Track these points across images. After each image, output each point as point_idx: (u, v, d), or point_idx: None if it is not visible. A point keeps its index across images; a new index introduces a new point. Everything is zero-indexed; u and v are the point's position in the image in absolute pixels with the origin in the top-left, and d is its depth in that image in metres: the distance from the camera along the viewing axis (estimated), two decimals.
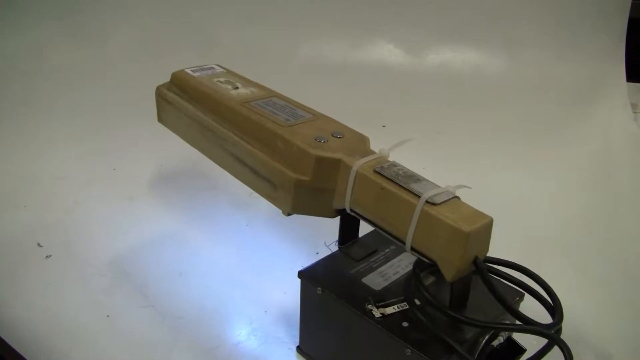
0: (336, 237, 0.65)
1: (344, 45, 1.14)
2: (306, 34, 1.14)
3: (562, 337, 0.54)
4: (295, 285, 0.63)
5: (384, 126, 0.57)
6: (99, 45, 1.17)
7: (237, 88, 0.70)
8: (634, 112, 1.20)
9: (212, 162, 0.69)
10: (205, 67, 0.75)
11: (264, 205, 0.87)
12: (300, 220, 0.83)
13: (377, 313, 0.57)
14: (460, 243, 0.51)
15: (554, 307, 0.58)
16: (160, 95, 0.74)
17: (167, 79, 0.73)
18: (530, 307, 0.59)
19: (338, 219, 0.63)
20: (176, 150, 0.95)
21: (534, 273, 0.60)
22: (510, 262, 0.62)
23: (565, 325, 0.55)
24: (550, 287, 0.59)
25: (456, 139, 1.10)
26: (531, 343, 0.57)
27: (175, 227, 0.86)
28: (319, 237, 0.66)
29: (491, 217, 0.53)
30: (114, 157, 1.01)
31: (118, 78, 1.14)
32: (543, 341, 0.55)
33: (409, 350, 0.54)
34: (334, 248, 0.65)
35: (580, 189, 1.00)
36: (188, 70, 0.73)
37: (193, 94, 0.70)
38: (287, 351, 0.67)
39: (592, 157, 1.08)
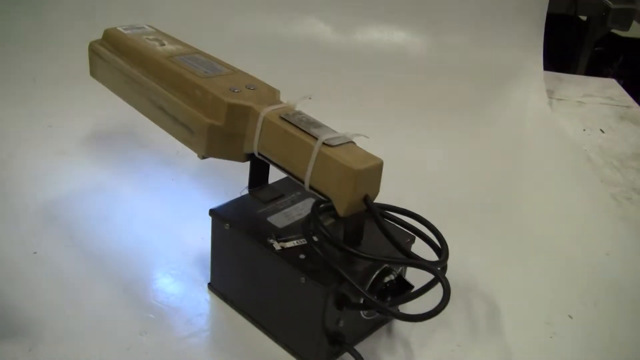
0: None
1: (277, 20, 1.20)
2: (241, 7, 1.19)
3: (450, 280, 0.59)
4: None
5: (309, 98, 0.62)
6: (36, 12, 1.19)
7: (163, 45, 0.75)
8: (549, 98, 1.28)
9: (143, 121, 0.73)
10: (136, 26, 0.80)
11: (190, 163, 0.93)
12: (221, 176, 0.90)
13: (277, 246, 0.62)
14: (351, 180, 0.57)
15: (441, 248, 0.64)
16: (92, 50, 0.78)
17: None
18: (420, 251, 0.65)
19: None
20: (111, 110, 1.00)
21: (424, 218, 0.67)
22: (404, 209, 0.68)
23: (459, 276, 0.59)
24: (438, 230, 0.65)
25: (377, 114, 1.16)
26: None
27: (103, 179, 0.90)
28: (238, 189, 0.72)
29: (381, 159, 0.59)
30: (50, 115, 1.04)
31: (54, 42, 1.17)
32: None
33: (303, 279, 0.60)
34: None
35: (491, 163, 1.07)
36: (120, 28, 0.78)
37: (123, 49, 0.75)
38: (199, 288, 0.73)
39: (505, 136, 1.15)
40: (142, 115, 0.74)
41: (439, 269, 0.61)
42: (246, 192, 0.71)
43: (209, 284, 0.73)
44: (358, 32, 1.21)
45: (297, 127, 0.61)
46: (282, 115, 0.62)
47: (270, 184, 0.72)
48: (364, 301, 0.62)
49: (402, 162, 0.68)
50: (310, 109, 0.65)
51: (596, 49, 1.91)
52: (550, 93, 1.30)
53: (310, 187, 0.61)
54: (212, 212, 0.67)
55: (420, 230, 0.67)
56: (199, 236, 0.79)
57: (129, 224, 0.82)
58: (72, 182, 0.89)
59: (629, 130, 1.25)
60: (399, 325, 0.71)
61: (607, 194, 1.02)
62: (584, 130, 1.23)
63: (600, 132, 1.23)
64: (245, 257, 0.66)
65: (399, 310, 0.67)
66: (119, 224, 0.82)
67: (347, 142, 0.60)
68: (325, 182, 0.59)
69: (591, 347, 0.72)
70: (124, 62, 0.74)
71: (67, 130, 1.00)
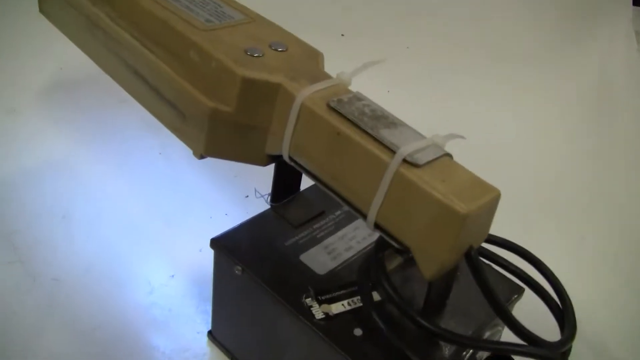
0: (261, 185, 0.47)
1: None
2: None
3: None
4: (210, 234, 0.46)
5: (342, 35, 0.39)
6: None
7: None
8: (639, 43, 1.02)
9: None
10: None
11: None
12: (226, 168, 0.66)
13: (318, 312, 0.40)
14: (452, 228, 0.34)
15: (563, 313, 0.41)
16: None
17: None
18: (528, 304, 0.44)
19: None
20: (77, 52, 0.75)
21: (537, 259, 0.44)
22: (506, 241, 0.44)
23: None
24: (559, 282, 0.43)
25: (428, 58, 0.91)
26: None
27: (64, 151, 0.66)
28: (250, 177, 0.47)
29: (498, 189, 0.35)
30: None
31: None
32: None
33: None
34: (266, 205, 0.48)
35: (573, 134, 0.83)
36: None
37: None
38: (195, 335, 0.51)
39: (587, 93, 0.91)
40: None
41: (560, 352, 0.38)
42: (262, 200, 0.47)
43: (209, 332, 0.50)
44: None
45: (357, 126, 0.37)
46: (332, 103, 0.38)
47: (302, 193, 0.48)
48: None
49: (461, 129, 0.44)
50: (342, 50, 0.42)
51: None
52: (638, 35, 1.03)
53: (377, 226, 0.37)
54: (216, 242, 0.44)
55: (528, 277, 0.44)
56: (195, 246, 0.57)
57: (95, 226, 0.59)
58: (20, 157, 0.65)
59: None
60: None
61: None
62: None
63: None
64: (264, 318, 0.43)
65: None
66: (81, 226, 0.58)
67: (442, 156, 0.36)
68: (405, 223, 0.35)
69: None
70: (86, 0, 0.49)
71: (18, 81, 0.75)
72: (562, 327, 0.41)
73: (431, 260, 0.35)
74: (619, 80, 0.94)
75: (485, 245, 0.44)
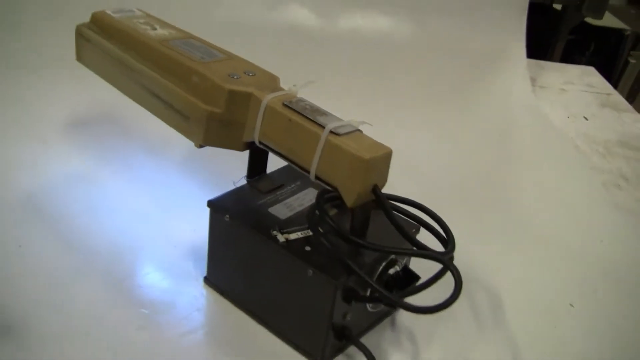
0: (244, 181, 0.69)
1: (261, 6, 1.17)
2: None
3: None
4: (204, 223, 0.66)
5: (294, 85, 0.60)
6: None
7: (155, 29, 0.71)
8: (532, 86, 1.27)
9: (125, 109, 0.70)
10: (125, 9, 0.76)
11: (176, 153, 0.90)
12: (211, 165, 0.87)
13: (281, 238, 0.60)
14: (361, 170, 0.55)
15: (447, 238, 0.62)
16: (80, 34, 0.74)
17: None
18: (424, 241, 0.63)
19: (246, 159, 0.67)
20: (91, 97, 0.96)
21: (428, 208, 0.65)
22: (408, 199, 0.66)
23: (459, 266, 0.58)
24: (443, 220, 0.64)
25: (363, 101, 1.14)
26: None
27: (87, 169, 0.87)
28: (228, 179, 0.69)
29: (390, 148, 0.57)
30: (29, 102, 1.00)
31: (31, 24, 1.12)
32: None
33: (311, 271, 0.58)
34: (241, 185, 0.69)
35: (480, 151, 1.06)
36: (108, 11, 0.74)
37: (112, 32, 0.72)
38: (194, 282, 0.70)
39: (493, 124, 1.14)
40: (124, 103, 0.71)
41: (447, 259, 0.59)
42: (242, 182, 0.68)
43: (205, 277, 0.70)
44: (342, 19, 1.19)
45: (302, 115, 0.59)
46: (285, 103, 0.60)
47: (268, 174, 0.70)
48: (373, 294, 0.60)
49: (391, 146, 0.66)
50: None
51: (569, 37, 1.92)
52: (532, 80, 1.29)
53: (316, 177, 0.58)
54: (211, 203, 0.64)
55: (424, 221, 0.65)
56: (190, 228, 0.77)
57: (116, 217, 0.79)
58: (54, 173, 0.85)
59: (612, 117, 1.25)
60: (402, 317, 0.69)
61: (597, 181, 1.02)
62: (568, 117, 1.22)
63: (584, 119, 1.22)
64: (247, 250, 0.63)
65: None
66: (105, 217, 0.79)
67: (354, 131, 0.58)
68: (333, 172, 0.57)
69: (595, 334, 0.72)
70: (114, 47, 0.70)
71: (47, 118, 0.96)
72: (446, 246, 0.62)
73: (351, 192, 0.56)
74: (519, 112, 1.18)
75: (394, 202, 0.66)
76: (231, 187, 0.68)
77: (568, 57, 1.92)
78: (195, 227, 0.77)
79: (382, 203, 0.57)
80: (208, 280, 0.70)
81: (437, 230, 0.64)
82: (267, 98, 0.60)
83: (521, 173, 1.02)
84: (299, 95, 0.63)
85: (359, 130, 0.59)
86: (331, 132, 0.57)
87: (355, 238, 0.58)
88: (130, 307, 0.66)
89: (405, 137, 1.05)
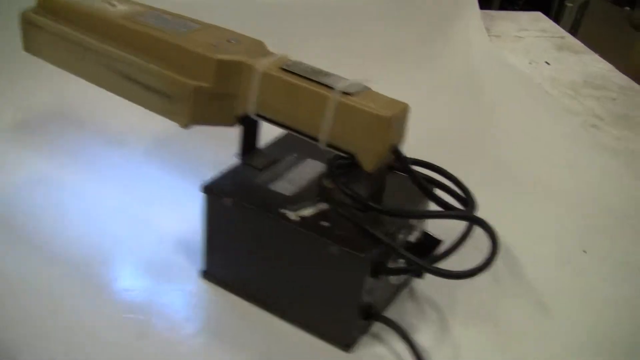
0: (219, 168, 0.61)
1: None
2: None
3: (454, 229, 0.55)
4: (189, 212, 0.60)
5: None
6: None
7: (114, 5, 0.64)
8: (488, 35, 1.24)
9: (73, 102, 0.62)
10: None
11: (139, 141, 0.82)
12: (180, 150, 0.80)
13: (293, 216, 0.55)
14: (382, 130, 0.50)
15: (467, 197, 0.58)
16: (27, 21, 0.66)
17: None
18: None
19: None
20: (35, 93, 0.87)
21: (443, 169, 0.61)
22: (422, 160, 0.61)
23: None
24: (460, 180, 0.60)
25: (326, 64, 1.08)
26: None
27: (47, 170, 0.78)
28: (204, 162, 0.62)
29: (406, 103, 0.52)
30: None
31: None
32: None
33: (335, 248, 0.52)
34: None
35: (451, 102, 1.02)
36: None
37: (67, 15, 0.64)
38: (189, 277, 0.64)
39: (457, 76, 1.10)
40: (71, 95, 0.63)
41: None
42: (235, 156, 0.62)
43: (202, 271, 0.64)
44: None
45: (305, 77, 0.53)
46: (284, 67, 0.54)
47: (260, 149, 0.64)
48: (400, 265, 0.55)
49: None
50: None
51: None
52: (487, 30, 1.25)
53: (329, 145, 0.53)
54: (207, 188, 0.58)
55: (438, 181, 0.61)
56: (172, 219, 0.70)
57: (90, 219, 0.71)
58: (7, 181, 0.76)
59: (572, 59, 1.23)
60: (420, 287, 0.65)
61: (575, 123, 1.00)
62: (530, 63, 1.19)
63: (546, 64, 1.20)
64: (254, 234, 0.57)
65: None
66: (78, 220, 0.70)
67: (364, 89, 0.53)
68: (349, 135, 0.52)
69: (614, 276, 0.70)
70: (71, 30, 0.63)
71: None
72: (465, 205, 0.58)
73: (372, 155, 0.51)
74: (483, 62, 1.15)
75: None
76: (210, 169, 0.61)
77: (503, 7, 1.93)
78: (177, 218, 0.70)
79: (404, 164, 0.53)
80: (207, 273, 0.63)
81: (453, 189, 0.60)
82: (262, 64, 0.55)
83: (498, 122, 0.98)
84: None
85: (368, 88, 0.54)
86: (343, 92, 0.51)
87: (377, 205, 0.53)
88: (123, 315, 0.59)
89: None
